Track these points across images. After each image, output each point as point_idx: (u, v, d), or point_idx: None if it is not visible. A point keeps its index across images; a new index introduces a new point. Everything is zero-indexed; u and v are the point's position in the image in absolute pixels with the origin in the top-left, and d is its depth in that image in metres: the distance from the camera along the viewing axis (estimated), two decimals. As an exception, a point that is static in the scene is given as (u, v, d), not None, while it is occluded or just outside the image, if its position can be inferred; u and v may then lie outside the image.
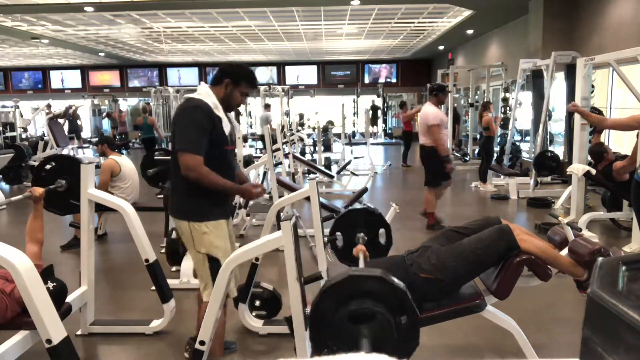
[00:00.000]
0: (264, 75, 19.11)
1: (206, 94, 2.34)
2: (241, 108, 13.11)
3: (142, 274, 3.06)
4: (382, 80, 19.13)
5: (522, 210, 6.51)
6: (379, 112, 18.28)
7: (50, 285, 2.38)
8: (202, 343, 2.20)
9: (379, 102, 18.48)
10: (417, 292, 2.23)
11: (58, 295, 2.45)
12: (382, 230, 3.12)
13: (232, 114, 2.55)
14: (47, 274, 2.42)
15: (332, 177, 7.71)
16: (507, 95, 10.15)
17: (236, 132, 2.54)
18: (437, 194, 5.52)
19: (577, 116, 5.44)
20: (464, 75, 12.63)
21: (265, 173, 7.47)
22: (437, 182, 5.40)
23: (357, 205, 3.44)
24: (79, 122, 14.37)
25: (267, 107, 14.08)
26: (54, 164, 3.14)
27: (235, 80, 2.39)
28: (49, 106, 13.29)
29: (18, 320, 2.32)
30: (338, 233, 3.14)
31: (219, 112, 2.34)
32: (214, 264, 2.32)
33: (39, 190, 2.73)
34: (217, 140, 2.32)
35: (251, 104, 15.91)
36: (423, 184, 5.51)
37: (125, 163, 5.01)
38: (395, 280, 1.60)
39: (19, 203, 2.75)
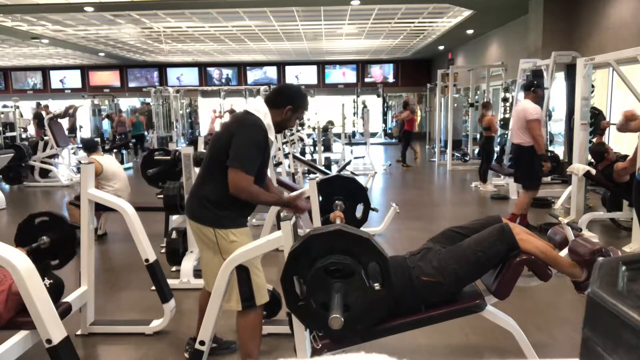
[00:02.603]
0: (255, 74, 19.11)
1: (264, 114, 2.30)
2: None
3: (142, 274, 3.06)
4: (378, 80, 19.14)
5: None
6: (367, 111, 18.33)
7: (47, 282, 2.37)
8: (202, 343, 2.20)
9: (369, 102, 18.45)
10: (419, 295, 2.23)
11: (55, 291, 2.45)
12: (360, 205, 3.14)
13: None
14: (42, 271, 2.41)
15: (332, 177, 7.70)
16: (507, 95, 10.15)
17: (273, 152, 2.53)
18: (533, 196, 5.25)
19: (577, 116, 5.44)
20: (464, 75, 12.63)
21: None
22: (537, 183, 5.16)
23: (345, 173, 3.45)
24: (77, 122, 14.49)
25: None
26: (46, 218, 3.10)
27: (295, 107, 2.38)
28: (46, 107, 13.32)
29: (18, 320, 2.32)
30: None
31: (271, 134, 2.31)
32: (243, 273, 2.22)
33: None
34: (263, 163, 2.30)
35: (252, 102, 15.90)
36: (522, 186, 5.22)
37: (108, 162, 5.01)
38: (380, 246, 1.61)
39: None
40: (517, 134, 5.09)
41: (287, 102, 2.36)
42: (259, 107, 2.32)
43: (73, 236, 2.99)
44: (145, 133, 13.80)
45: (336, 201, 3.21)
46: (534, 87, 5.08)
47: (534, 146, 4.92)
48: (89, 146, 5.23)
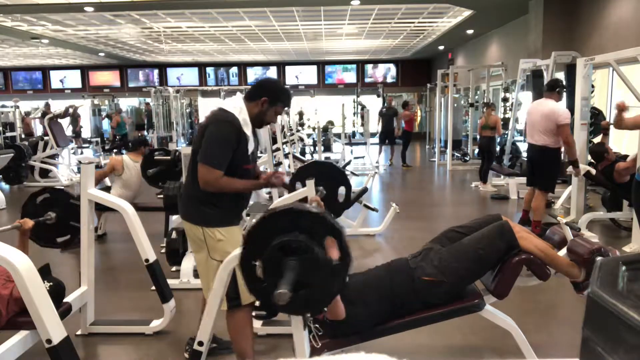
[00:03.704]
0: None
1: (239, 109, 2.29)
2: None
3: (142, 274, 3.06)
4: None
5: (522, 210, 6.50)
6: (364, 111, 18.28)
7: (47, 285, 2.37)
8: (200, 344, 2.20)
9: (370, 102, 18.44)
10: (421, 296, 2.23)
11: (56, 294, 2.44)
12: (341, 188, 3.14)
13: (259, 130, 2.48)
14: (43, 273, 2.41)
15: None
16: (507, 95, 10.15)
17: (260, 148, 2.50)
18: (547, 197, 5.16)
19: (577, 116, 5.44)
20: (464, 75, 12.63)
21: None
22: (554, 186, 5.09)
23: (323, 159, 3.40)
24: (79, 122, 14.57)
25: None
26: (47, 195, 3.13)
27: (273, 99, 2.34)
28: (48, 106, 13.33)
29: (18, 320, 2.32)
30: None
31: (247, 129, 2.29)
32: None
33: (29, 223, 2.71)
34: (239, 159, 2.29)
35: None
36: (538, 188, 5.04)
37: (134, 170, 4.98)
38: (334, 220, 1.60)
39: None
40: (541, 136, 4.79)
41: (264, 93, 2.33)
42: (234, 104, 2.31)
43: (78, 208, 3.00)
44: (145, 133, 14.25)
45: (317, 187, 3.21)
46: (559, 87, 4.88)
47: (558, 149, 4.78)
48: (133, 143, 5.34)
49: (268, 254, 1.57)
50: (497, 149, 8.83)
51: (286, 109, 14.87)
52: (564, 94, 5.22)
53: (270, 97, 2.33)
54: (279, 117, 2.57)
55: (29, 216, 2.86)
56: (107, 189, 5.04)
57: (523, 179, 7.53)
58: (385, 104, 11.86)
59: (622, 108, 4.11)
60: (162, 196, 3.93)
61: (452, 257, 2.27)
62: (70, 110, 9.83)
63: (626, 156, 5.21)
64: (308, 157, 11.22)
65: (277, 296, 1.45)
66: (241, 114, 2.28)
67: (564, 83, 5.25)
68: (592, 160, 5.46)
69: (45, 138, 9.32)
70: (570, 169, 5.12)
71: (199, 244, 2.35)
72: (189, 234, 2.41)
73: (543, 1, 8.55)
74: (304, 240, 1.55)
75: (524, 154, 9.37)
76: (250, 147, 2.34)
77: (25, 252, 2.66)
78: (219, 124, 2.26)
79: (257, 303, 3.06)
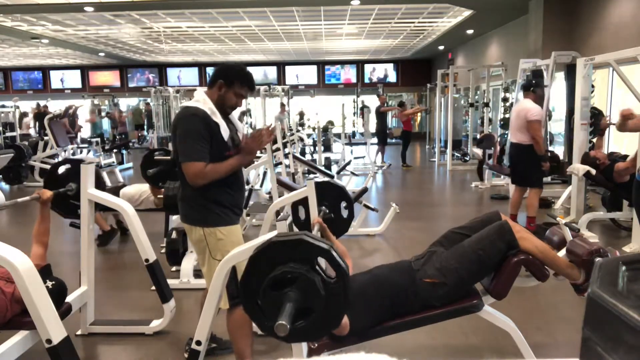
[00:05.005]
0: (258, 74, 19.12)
1: (203, 101, 2.30)
2: (243, 107, 13.04)
3: (142, 274, 3.06)
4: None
5: (522, 210, 6.48)
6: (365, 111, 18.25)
7: (49, 284, 2.37)
8: (198, 343, 2.20)
9: (369, 102, 18.46)
10: (421, 297, 2.23)
11: (58, 294, 2.45)
12: (343, 204, 3.17)
13: (235, 116, 2.49)
14: (44, 273, 2.42)
15: (332, 177, 7.69)
16: (507, 95, 10.16)
17: (240, 134, 2.49)
18: (539, 194, 5.19)
19: (577, 116, 5.43)
20: (464, 75, 12.62)
21: (265, 173, 7.49)
22: (541, 181, 5.14)
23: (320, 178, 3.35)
24: (77, 123, 14.63)
25: (282, 107, 13.72)
26: (69, 166, 3.15)
27: (227, 81, 2.33)
28: (45, 107, 13.34)
29: (18, 320, 2.32)
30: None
31: (216, 117, 2.28)
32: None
33: (47, 193, 2.73)
34: (217, 147, 2.29)
35: (251, 104, 15.90)
36: (524, 185, 5.15)
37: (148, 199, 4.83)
38: (318, 240, 1.58)
39: (19, 203, 2.75)
40: (516, 133, 5.04)
41: (219, 77, 2.33)
42: (197, 97, 2.33)
43: (100, 181, 3.01)
44: (144, 133, 14.33)
45: (319, 207, 3.21)
46: (533, 86, 5.08)
47: (531, 145, 4.89)
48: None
49: (263, 297, 1.57)
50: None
51: (287, 108, 14.58)
52: (546, 93, 5.27)
53: (225, 79, 2.33)
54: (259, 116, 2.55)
55: (50, 187, 2.89)
56: (110, 190, 5.02)
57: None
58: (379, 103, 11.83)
59: (627, 117, 4.05)
60: (162, 196, 3.93)
61: (453, 259, 2.27)
62: (71, 110, 9.83)
63: (626, 156, 5.20)
64: (308, 157, 11.21)
65: (276, 328, 1.44)
66: (206, 105, 2.29)
67: (541, 82, 5.38)
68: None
69: (45, 138, 9.32)
70: (569, 168, 5.11)
71: (201, 245, 2.36)
72: (191, 237, 2.41)
73: (543, 1, 8.55)
74: (290, 270, 1.54)
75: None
76: (225, 133, 2.32)
77: (46, 223, 2.72)
78: (184, 121, 2.29)
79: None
